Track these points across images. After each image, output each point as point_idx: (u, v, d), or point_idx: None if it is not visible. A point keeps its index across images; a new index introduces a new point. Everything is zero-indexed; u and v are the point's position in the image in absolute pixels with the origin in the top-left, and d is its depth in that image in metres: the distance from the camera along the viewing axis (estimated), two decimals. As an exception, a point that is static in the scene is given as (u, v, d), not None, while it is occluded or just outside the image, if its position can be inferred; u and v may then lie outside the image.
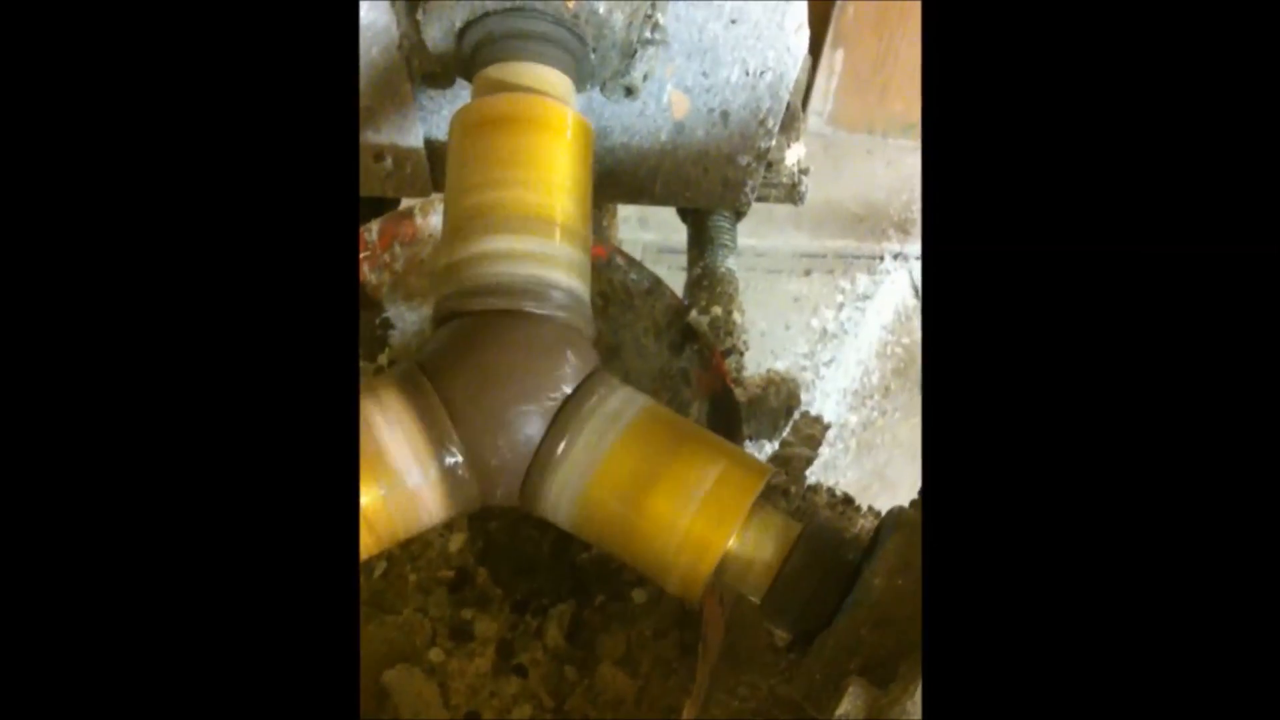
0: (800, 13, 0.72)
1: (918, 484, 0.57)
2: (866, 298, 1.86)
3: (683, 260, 0.93)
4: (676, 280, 0.90)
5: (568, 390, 0.53)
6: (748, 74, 0.75)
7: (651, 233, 1.77)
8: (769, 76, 0.75)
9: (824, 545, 0.51)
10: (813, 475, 0.77)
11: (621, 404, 0.53)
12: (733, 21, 0.71)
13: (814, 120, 2.01)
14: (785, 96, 0.78)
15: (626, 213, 1.72)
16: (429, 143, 0.80)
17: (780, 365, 1.73)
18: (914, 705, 0.41)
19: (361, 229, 0.74)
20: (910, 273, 1.90)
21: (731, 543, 0.51)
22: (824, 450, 1.65)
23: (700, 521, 0.51)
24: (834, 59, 1.92)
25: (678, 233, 0.96)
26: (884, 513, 0.55)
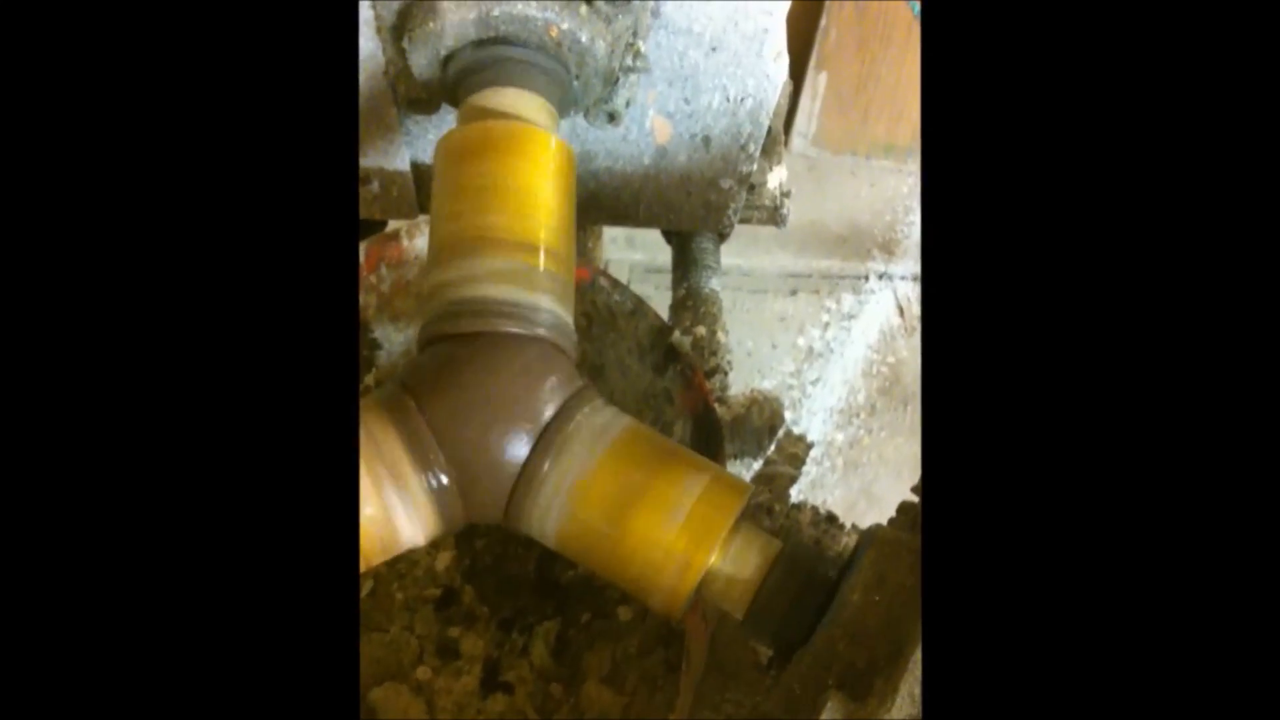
0: (779, 40, 0.73)
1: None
2: (852, 317, 1.88)
3: (670, 280, 0.94)
4: (664, 299, 0.92)
5: (551, 411, 0.54)
6: (728, 100, 0.76)
7: (639, 252, 1.79)
8: (749, 103, 0.77)
9: (803, 562, 0.52)
10: (800, 493, 0.78)
11: (605, 424, 0.54)
12: (713, 49, 0.72)
13: (798, 141, 2.04)
14: (765, 122, 0.79)
15: (614, 233, 1.74)
16: (415, 166, 0.81)
17: (767, 384, 1.74)
18: (890, 718, 0.42)
19: (349, 252, 0.75)
20: (895, 292, 1.92)
21: (713, 560, 0.52)
22: (811, 468, 1.67)
23: (682, 540, 0.52)
24: (817, 81, 1.94)
25: (665, 253, 0.97)
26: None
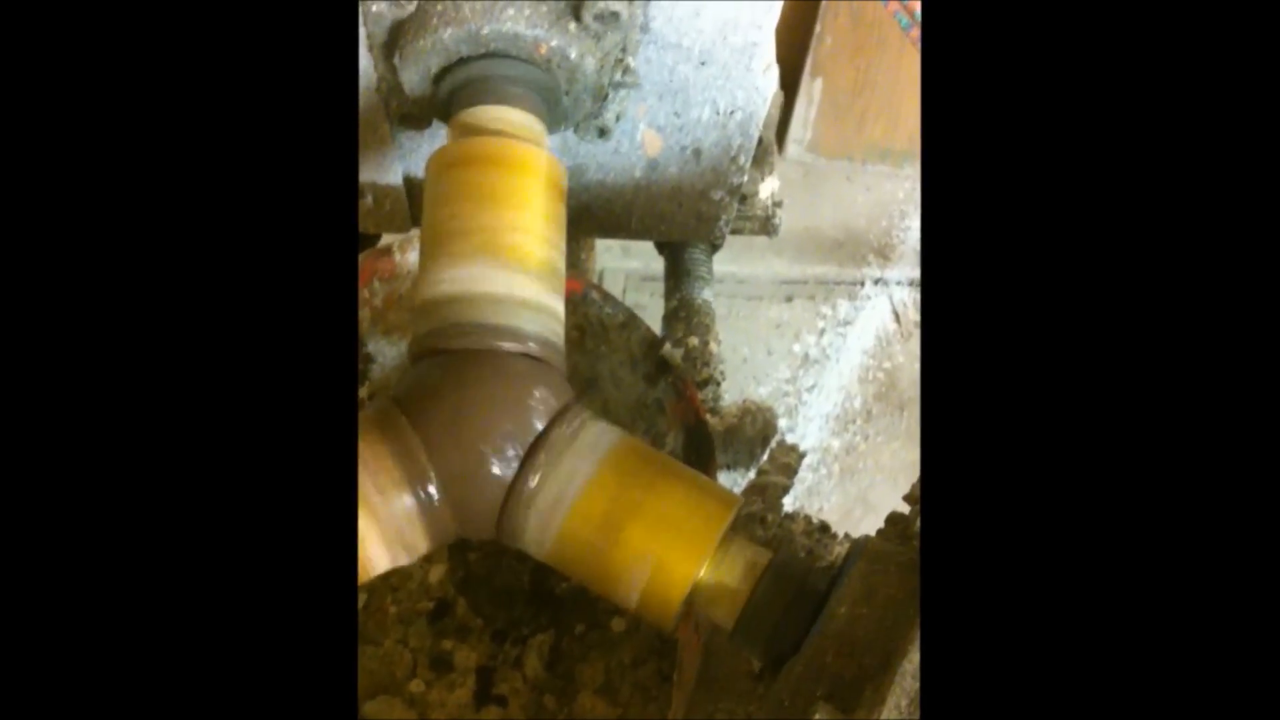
0: (768, 53, 0.74)
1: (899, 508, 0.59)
2: (847, 323, 1.88)
3: (663, 288, 0.95)
4: (659, 307, 0.92)
5: (541, 426, 0.54)
6: (718, 113, 0.77)
7: (634, 261, 1.79)
8: (739, 115, 0.77)
9: (792, 574, 0.52)
10: (796, 500, 0.78)
11: (594, 437, 0.55)
12: (702, 63, 0.73)
13: (793, 148, 2.04)
14: (755, 133, 0.80)
15: (609, 242, 1.74)
16: (408, 180, 0.81)
17: (763, 391, 1.74)
18: (877, 727, 0.42)
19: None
20: (890, 298, 1.92)
21: (702, 572, 0.52)
22: (807, 475, 1.67)
23: (671, 552, 0.52)
24: (812, 87, 1.95)
25: (659, 261, 0.98)
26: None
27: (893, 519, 0.59)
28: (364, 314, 0.78)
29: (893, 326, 1.88)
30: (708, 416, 0.76)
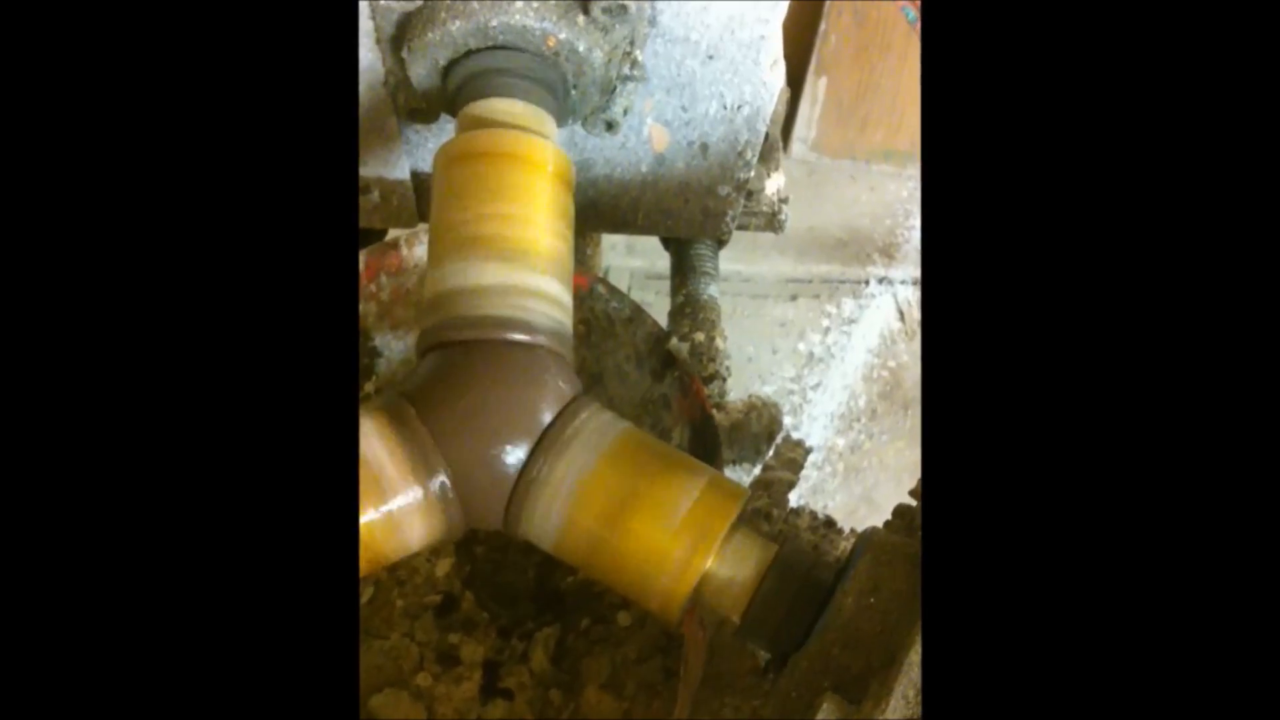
0: (775, 48, 0.74)
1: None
2: (852, 322, 1.88)
3: (669, 286, 0.95)
4: (663, 305, 0.92)
5: (549, 417, 0.54)
6: (725, 108, 0.77)
7: (638, 259, 1.79)
8: (746, 110, 0.77)
9: (799, 567, 0.52)
10: (801, 499, 0.78)
11: (602, 429, 0.55)
12: (710, 58, 0.73)
13: (798, 147, 2.04)
14: (763, 129, 0.80)
15: (614, 240, 1.75)
16: (415, 175, 0.81)
17: (767, 389, 1.74)
18: (884, 718, 0.42)
19: (349, 260, 0.75)
20: (895, 296, 1.92)
21: (709, 564, 0.52)
22: (812, 474, 1.67)
23: (678, 544, 0.52)
24: (817, 87, 1.95)
25: (664, 259, 0.98)
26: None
27: (900, 511, 0.59)
28: (371, 309, 0.78)
29: (897, 325, 1.88)
30: (713, 412, 0.76)
